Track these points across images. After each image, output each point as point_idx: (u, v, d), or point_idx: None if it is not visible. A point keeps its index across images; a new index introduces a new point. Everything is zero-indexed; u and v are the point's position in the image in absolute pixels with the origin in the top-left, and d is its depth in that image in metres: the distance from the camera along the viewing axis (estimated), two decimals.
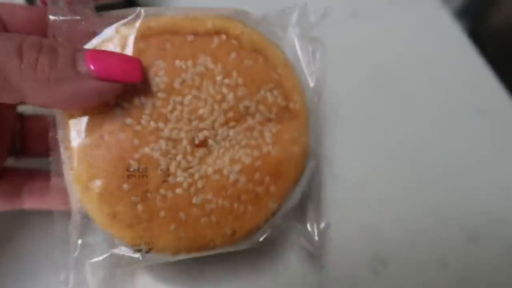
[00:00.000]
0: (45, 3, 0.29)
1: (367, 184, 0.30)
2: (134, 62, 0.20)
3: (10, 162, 0.24)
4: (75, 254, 0.21)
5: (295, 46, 0.25)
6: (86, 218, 0.22)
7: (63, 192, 0.21)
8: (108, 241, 0.22)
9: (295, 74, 0.25)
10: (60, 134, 0.21)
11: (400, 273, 0.28)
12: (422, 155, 0.32)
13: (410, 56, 0.35)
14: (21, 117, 0.25)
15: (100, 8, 0.22)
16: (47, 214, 0.23)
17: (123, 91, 0.20)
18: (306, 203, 0.25)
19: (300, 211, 0.25)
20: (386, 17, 0.37)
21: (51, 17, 0.21)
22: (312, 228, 0.25)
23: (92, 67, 0.19)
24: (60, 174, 0.21)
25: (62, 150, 0.21)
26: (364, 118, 0.30)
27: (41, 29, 0.22)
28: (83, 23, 0.21)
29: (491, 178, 0.32)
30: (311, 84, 0.25)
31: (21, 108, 0.25)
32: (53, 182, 0.22)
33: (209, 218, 0.22)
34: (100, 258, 0.22)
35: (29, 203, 0.24)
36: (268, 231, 0.24)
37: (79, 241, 0.21)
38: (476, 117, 0.34)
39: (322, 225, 0.25)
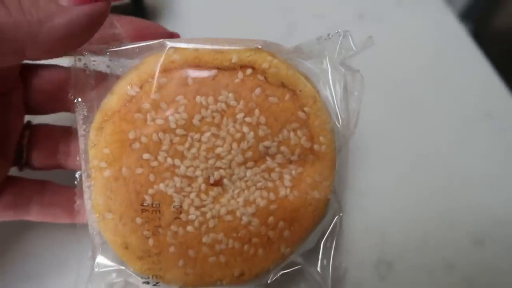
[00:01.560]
0: None
1: (373, 187, 0.30)
2: None
3: (15, 172, 0.24)
4: (93, 272, 0.23)
5: (329, 79, 0.24)
6: (104, 241, 0.23)
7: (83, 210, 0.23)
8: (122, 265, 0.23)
9: (325, 111, 0.23)
10: (83, 163, 0.22)
11: (406, 276, 0.28)
12: (428, 159, 0.32)
13: (416, 59, 0.36)
14: (29, 126, 0.25)
15: None
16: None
17: (109, 8, 0.20)
18: (321, 244, 0.24)
19: (315, 253, 0.24)
20: (392, 19, 0.38)
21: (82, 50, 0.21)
22: (326, 274, 0.24)
23: None
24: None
25: (84, 178, 0.22)
26: (367, 122, 0.28)
27: None
28: (108, 53, 0.22)
29: (498, 181, 0.32)
30: (341, 123, 0.24)
31: (30, 117, 0.25)
32: (78, 204, 0.23)
33: (217, 258, 0.22)
34: (114, 279, 0.23)
35: (37, 215, 0.24)
36: (278, 273, 0.24)
37: (97, 261, 0.23)
38: (483, 121, 0.34)
39: (338, 271, 0.24)
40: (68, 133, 0.24)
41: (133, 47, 0.22)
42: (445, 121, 0.33)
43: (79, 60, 0.22)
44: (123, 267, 0.23)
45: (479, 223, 0.30)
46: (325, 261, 0.24)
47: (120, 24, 0.23)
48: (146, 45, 0.22)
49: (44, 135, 0.25)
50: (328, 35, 0.23)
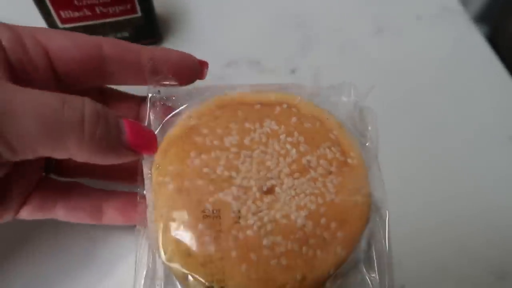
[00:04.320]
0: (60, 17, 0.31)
1: (391, 213, 0.28)
2: (154, 140, 0.26)
3: None
4: None
5: (347, 114, 0.30)
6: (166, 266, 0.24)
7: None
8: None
9: (351, 134, 0.28)
10: (147, 183, 0.25)
11: None
12: (448, 185, 0.31)
13: (436, 74, 0.35)
14: None
15: (118, 23, 0.27)
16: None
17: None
18: (375, 258, 0.25)
19: (372, 265, 0.25)
20: (411, 33, 0.37)
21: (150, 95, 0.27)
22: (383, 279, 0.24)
23: (129, 140, 0.24)
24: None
25: (148, 194, 0.25)
26: (385, 141, 0.29)
27: (90, 66, 0.25)
28: (174, 97, 0.28)
29: None
30: (367, 144, 0.29)
31: None
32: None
33: (279, 261, 0.23)
34: None
35: (63, 217, 0.26)
36: (338, 281, 0.24)
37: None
38: (508, 144, 0.33)
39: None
40: None
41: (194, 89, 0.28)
42: (467, 143, 0.32)
43: (153, 105, 0.27)
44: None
45: (501, 255, 0.29)
46: (382, 273, 0.25)
47: (158, 56, 0.27)
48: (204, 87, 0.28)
49: None
50: (337, 85, 0.31)
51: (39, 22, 0.32)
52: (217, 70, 0.35)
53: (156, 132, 0.27)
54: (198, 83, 0.29)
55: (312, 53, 0.29)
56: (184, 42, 0.34)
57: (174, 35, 0.37)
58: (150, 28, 0.34)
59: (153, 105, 0.27)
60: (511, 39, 0.55)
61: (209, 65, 0.28)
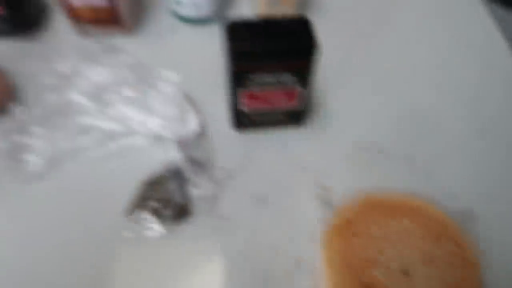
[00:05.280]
0: None
1: None
2: None
3: None
4: None
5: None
6: None
7: None
8: None
9: (465, 231, 0.38)
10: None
11: None
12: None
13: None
14: None
15: (282, 111, 0.41)
16: None
17: None
18: None
19: None
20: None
21: None
22: None
23: None
24: None
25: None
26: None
27: None
28: None
29: None
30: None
31: None
32: None
33: None
34: None
35: None
36: None
37: None
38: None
39: None
40: None
41: None
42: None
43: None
44: None
45: None
46: None
47: None
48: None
49: None
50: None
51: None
52: (348, 151, 0.45)
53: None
54: None
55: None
56: (318, 128, 0.43)
57: (312, 121, 0.47)
58: (302, 115, 0.45)
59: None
60: None
61: (340, 149, 0.41)
